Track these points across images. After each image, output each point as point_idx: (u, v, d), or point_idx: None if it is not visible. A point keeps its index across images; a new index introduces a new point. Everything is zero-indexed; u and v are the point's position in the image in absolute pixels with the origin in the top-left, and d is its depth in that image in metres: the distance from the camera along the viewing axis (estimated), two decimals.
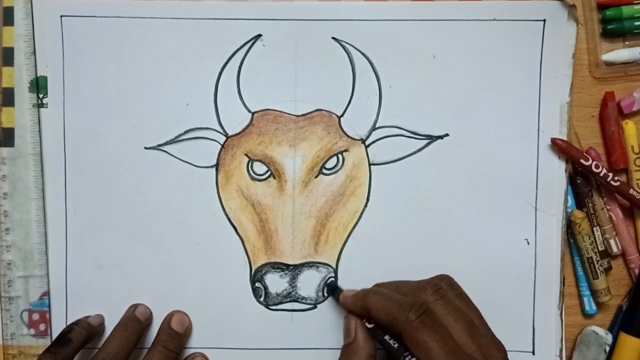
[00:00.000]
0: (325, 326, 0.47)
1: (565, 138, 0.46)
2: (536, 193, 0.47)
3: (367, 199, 0.47)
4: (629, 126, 0.47)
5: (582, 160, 0.45)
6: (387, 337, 0.38)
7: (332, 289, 0.46)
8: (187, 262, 0.47)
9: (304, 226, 0.46)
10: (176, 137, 0.47)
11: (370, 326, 0.40)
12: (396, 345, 0.37)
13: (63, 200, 0.47)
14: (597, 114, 0.48)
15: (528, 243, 0.47)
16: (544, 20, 0.46)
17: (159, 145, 0.47)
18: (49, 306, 0.47)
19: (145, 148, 0.47)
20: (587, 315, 0.48)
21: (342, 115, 0.47)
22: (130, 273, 0.47)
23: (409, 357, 0.36)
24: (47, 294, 0.47)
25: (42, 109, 0.47)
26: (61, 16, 0.46)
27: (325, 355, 0.47)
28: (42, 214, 0.47)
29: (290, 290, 0.46)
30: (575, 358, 0.47)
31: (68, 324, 0.45)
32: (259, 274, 0.46)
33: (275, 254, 0.46)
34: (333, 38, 0.46)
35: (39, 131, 0.47)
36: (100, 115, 0.47)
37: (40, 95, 0.47)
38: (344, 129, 0.47)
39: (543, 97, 0.46)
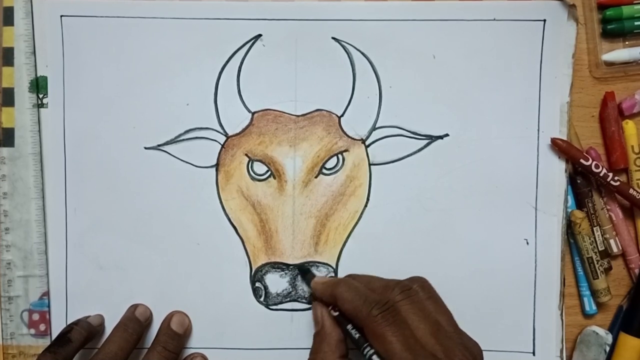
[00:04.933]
0: None
1: (565, 138, 0.46)
2: (536, 193, 0.47)
3: (367, 199, 0.47)
4: (629, 126, 0.47)
5: (582, 160, 0.45)
6: (349, 327, 0.39)
7: (304, 272, 0.46)
8: (187, 262, 0.47)
9: (304, 226, 0.46)
10: (176, 137, 0.47)
11: (335, 314, 0.40)
12: (357, 336, 0.38)
13: (63, 200, 0.47)
14: (597, 114, 0.48)
15: (528, 243, 0.47)
16: (544, 20, 0.46)
17: (159, 145, 0.47)
18: (49, 306, 0.47)
19: (145, 148, 0.47)
20: (587, 316, 0.48)
21: (342, 115, 0.47)
22: (130, 273, 0.47)
23: (368, 348, 0.37)
24: (47, 294, 0.47)
25: (42, 109, 0.47)
26: (61, 16, 0.46)
27: None
28: (42, 214, 0.47)
29: (291, 290, 0.46)
30: (576, 358, 0.47)
31: (68, 323, 0.45)
32: (259, 274, 0.46)
33: (275, 254, 0.46)
34: (333, 38, 0.46)
35: (39, 131, 0.47)
36: (100, 115, 0.47)
37: (40, 95, 0.47)
38: (344, 129, 0.47)
39: (543, 97, 0.46)
